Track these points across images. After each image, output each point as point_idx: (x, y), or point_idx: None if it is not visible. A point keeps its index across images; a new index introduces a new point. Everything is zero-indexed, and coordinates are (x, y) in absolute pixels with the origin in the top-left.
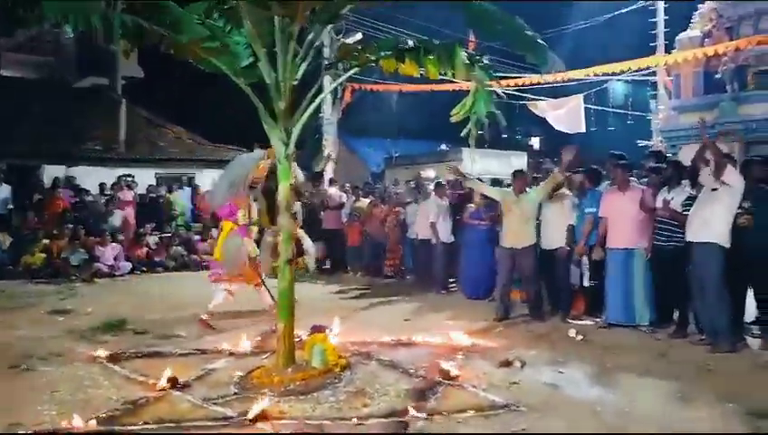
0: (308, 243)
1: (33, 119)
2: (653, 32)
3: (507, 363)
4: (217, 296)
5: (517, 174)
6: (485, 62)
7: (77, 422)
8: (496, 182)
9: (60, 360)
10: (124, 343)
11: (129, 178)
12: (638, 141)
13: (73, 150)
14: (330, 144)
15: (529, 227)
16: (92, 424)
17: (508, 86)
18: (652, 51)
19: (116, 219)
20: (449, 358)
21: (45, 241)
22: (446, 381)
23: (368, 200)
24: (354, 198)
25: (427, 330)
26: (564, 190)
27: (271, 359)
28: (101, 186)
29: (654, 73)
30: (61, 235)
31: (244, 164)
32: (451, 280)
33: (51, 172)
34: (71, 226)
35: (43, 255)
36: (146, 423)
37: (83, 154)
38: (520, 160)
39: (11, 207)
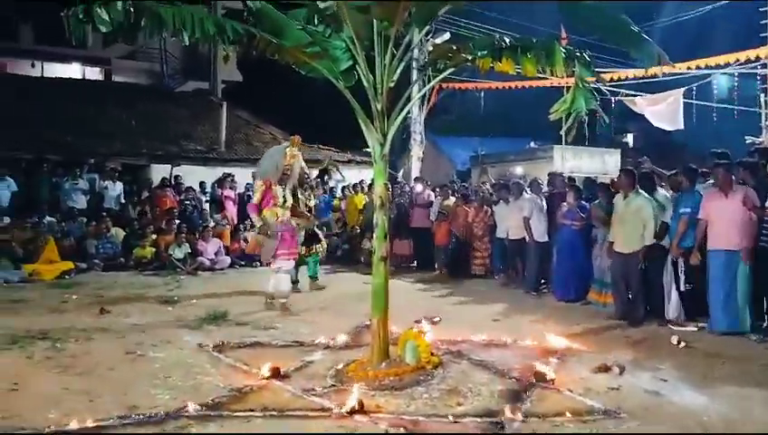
0: (321, 235)
1: (141, 121)
2: (763, 22)
3: (605, 368)
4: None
5: (624, 173)
6: (586, 57)
7: (190, 407)
8: (590, 181)
9: (170, 347)
10: (227, 333)
11: (231, 177)
12: (746, 138)
13: (178, 151)
14: (417, 143)
15: (636, 230)
16: (203, 408)
17: (603, 81)
18: (761, 42)
19: (218, 216)
20: (544, 360)
21: (154, 236)
22: (542, 384)
23: (454, 199)
24: (442, 196)
25: (518, 331)
26: (643, 193)
27: (365, 353)
28: (201, 184)
29: (764, 66)
30: (168, 230)
31: (273, 154)
32: (542, 281)
33: (158, 171)
34: (177, 222)
35: (152, 248)
36: (251, 410)
37: (187, 154)
38: (614, 158)
39: (123, 202)
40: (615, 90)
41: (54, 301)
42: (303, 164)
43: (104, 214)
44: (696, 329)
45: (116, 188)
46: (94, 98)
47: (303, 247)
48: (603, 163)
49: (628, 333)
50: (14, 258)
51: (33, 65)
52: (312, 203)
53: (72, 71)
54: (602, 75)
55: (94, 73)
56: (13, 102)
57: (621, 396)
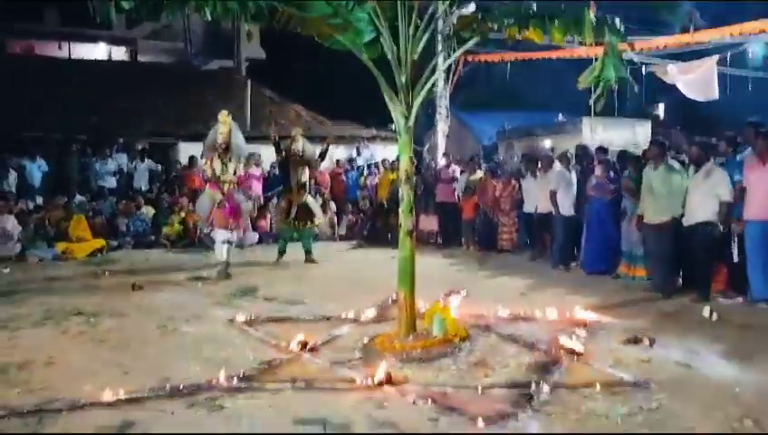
0: (317, 209)
1: (167, 100)
2: None
3: (635, 340)
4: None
5: (655, 144)
6: (617, 24)
7: (221, 379)
8: (623, 153)
9: (201, 322)
10: (256, 307)
11: (257, 155)
12: None
13: (204, 129)
14: (442, 118)
15: (669, 200)
16: (234, 380)
17: (633, 49)
18: None
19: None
20: (572, 333)
21: (182, 214)
22: (570, 356)
23: (481, 173)
24: (469, 171)
25: (546, 304)
26: (713, 164)
27: (392, 327)
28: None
29: None
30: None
31: (209, 135)
32: (571, 256)
33: (186, 150)
34: None
35: (181, 226)
36: (281, 382)
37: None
38: (644, 130)
39: (151, 180)
40: (646, 60)
41: (87, 278)
42: (305, 145)
43: (134, 192)
44: (735, 301)
45: (145, 168)
46: (121, 78)
47: (295, 222)
48: (634, 134)
49: (660, 305)
50: (47, 237)
51: (59, 47)
52: (304, 179)
53: (99, 51)
54: (633, 43)
55: (120, 54)
56: (41, 84)
57: (652, 368)
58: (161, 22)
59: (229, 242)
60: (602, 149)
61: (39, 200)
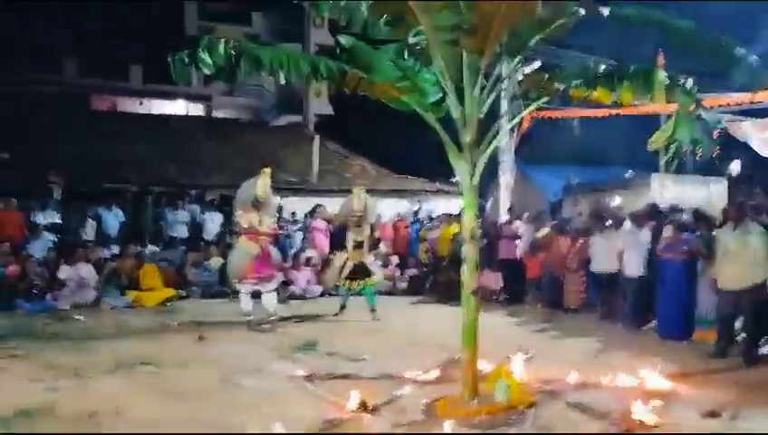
0: (374, 267)
1: (239, 154)
2: None
3: (714, 414)
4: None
5: (734, 204)
6: (688, 84)
7: None
8: (698, 213)
9: (261, 375)
10: (316, 362)
11: (321, 208)
12: None
13: (273, 182)
14: (506, 173)
15: (753, 265)
16: None
17: (706, 109)
18: None
19: (309, 246)
20: (645, 403)
21: None
22: (643, 429)
23: (548, 230)
24: (535, 227)
25: (617, 370)
26: (756, 224)
27: (455, 389)
28: (293, 214)
29: None
30: None
31: (246, 187)
32: (643, 318)
33: None
34: None
35: None
36: None
37: (281, 185)
38: (719, 188)
39: (221, 231)
40: (717, 117)
41: (155, 327)
42: (367, 201)
43: (204, 243)
44: None
45: (215, 218)
46: (196, 132)
47: (349, 280)
48: (708, 192)
49: (742, 374)
50: (119, 285)
51: (140, 103)
52: (361, 238)
53: (177, 107)
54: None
55: (197, 109)
56: (122, 138)
57: None
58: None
59: (275, 290)
60: (675, 209)
61: (115, 249)
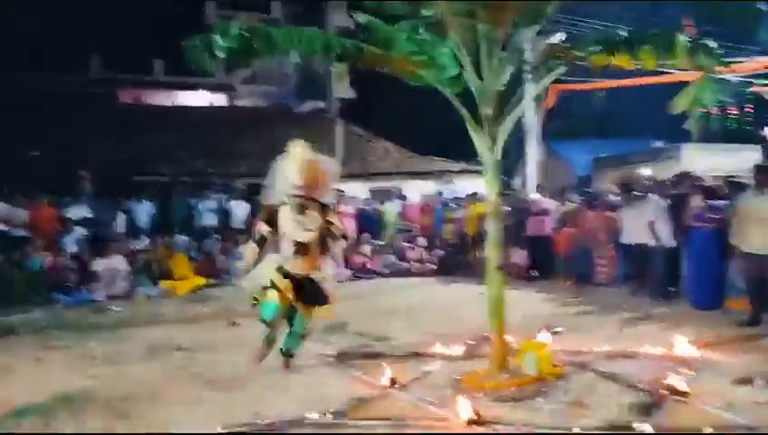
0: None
1: (263, 141)
2: None
3: (747, 381)
4: None
5: (762, 169)
6: (712, 45)
7: (312, 415)
8: (733, 182)
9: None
10: (347, 343)
11: (343, 192)
12: None
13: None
14: (532, 149)
15: None
16: (328, 417)
17: (734, 72)
18: None
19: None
20: (676, 372)
21: None
22: (674, 397)
23: (576, 205)
24: (562, 203)
25: (648, 341)
26: None
27: (483, 364)
28: None
29: None
30: None
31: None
32: (672, 288)
33: None
34: None
35: None
36: (371, 419)
37: None
38: (755, 155)
39: (249, 219)
40: (747, 80)
41: (188, 314)
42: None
43: (232, 231)
44: None
45: (243, 207)
46: (220, 122)
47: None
48: (744, 160)
49: None
50: (152, 275)
51: (165, 95)
52: (306, 234)
53: (200, 98)
54: (734, 67)
55: (220, 100)
56: (148, 131)
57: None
58: (257, 66)
59: None
60: (697, 178)
61: (146, 241)
